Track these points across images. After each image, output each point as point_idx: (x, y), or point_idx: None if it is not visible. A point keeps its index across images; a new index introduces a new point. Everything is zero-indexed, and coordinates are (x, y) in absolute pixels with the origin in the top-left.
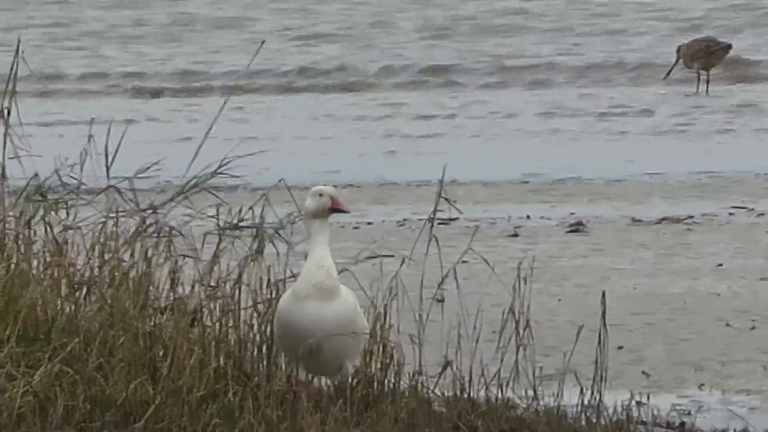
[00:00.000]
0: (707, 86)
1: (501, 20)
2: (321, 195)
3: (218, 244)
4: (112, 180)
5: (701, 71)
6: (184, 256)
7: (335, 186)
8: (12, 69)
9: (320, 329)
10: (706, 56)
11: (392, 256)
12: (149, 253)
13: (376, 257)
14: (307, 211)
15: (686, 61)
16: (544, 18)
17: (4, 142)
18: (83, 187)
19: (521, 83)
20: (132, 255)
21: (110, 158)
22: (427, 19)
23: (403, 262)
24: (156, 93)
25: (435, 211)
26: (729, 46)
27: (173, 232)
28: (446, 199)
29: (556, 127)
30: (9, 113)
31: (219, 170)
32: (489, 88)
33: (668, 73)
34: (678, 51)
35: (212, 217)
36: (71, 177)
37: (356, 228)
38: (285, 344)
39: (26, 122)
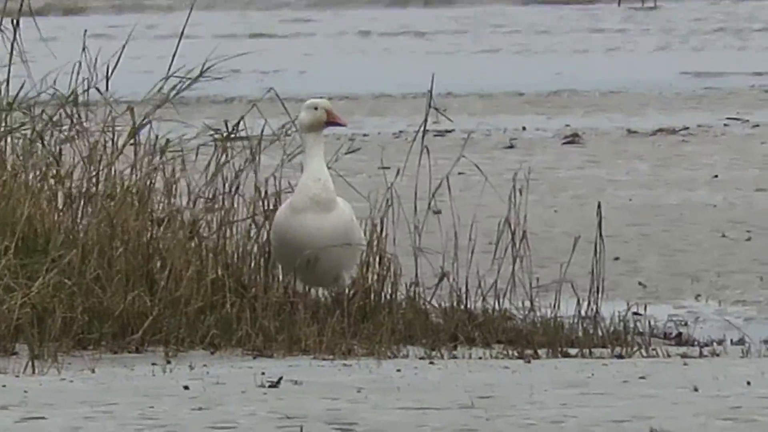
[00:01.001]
0: None
1: None
2: (316, 108)
3: (215, 156)
4: (106, 94)
5: None
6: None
7: (330, 98)
8: None
9: (317, 241)
10: None
11: (388, 167)
12: (146, 165)
13: (353, 152)
14: (302, 125)
15: None
16: None
17: (10, 55)
18: (80, 99)
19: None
20: (130, 167)
21: (109, 71)
22: None
23: (398, 173)
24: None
25: (425, 121)
26: None
27: (170, 142)
28: (436, 109)
29: (551, 41)
30: (18, 24)
31: (201, 75)
32: (484, 3)
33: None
34: None
35: (209, 128)
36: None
37: (351, 140)
38: (282, 256)
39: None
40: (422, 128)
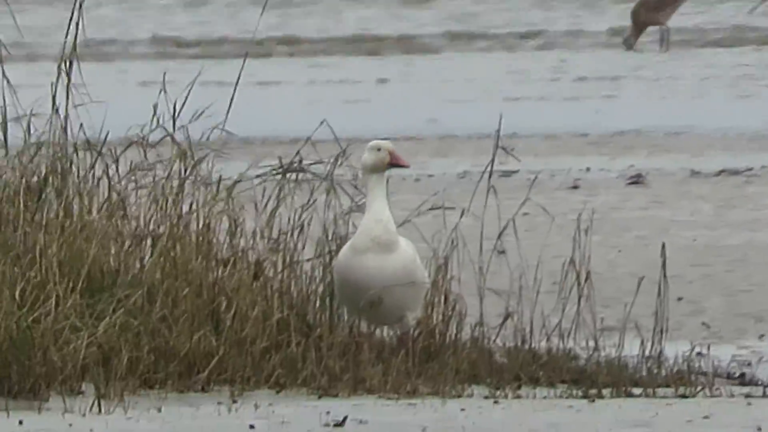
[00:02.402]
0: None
1: None
2: (379, 149)
3: (279, 193)
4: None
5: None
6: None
7: (395, 139)
8: (70, 25)
9: (379, 282)
10: (671, 5)
11: (453, 208)
12: (210, 204)
13: (437, 208)
14: (364, 166)
15: (648, 18)
16: None
17: (67, 95)
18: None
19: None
20: (193, 206)
21: (177, 111)
22: None
23: (462, 213)
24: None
25: (492, 161)
26: None
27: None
28: (503, 149)
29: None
30: (71, 65)
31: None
32: (546, 47)
33: (631, 44)
34: (637, 14)
35: (273, 167)
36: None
37: (417, 180)
38: (345, 297)
39: (91, 82)
40: (490, 168)
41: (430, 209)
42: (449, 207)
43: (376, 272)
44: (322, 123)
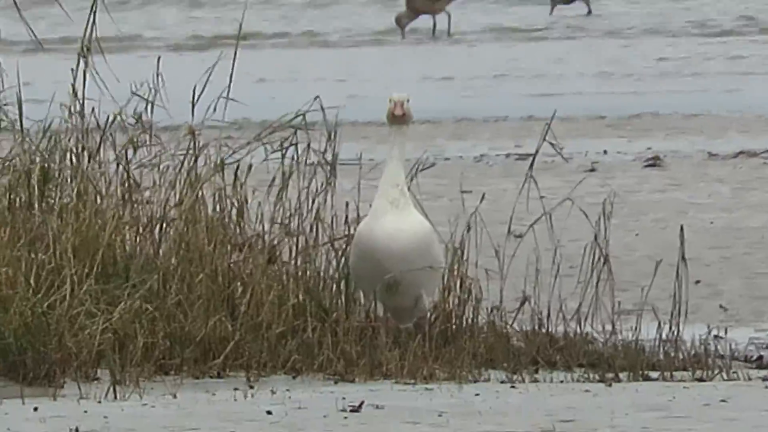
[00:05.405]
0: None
1: None
2: (390, 100)
3: (288, 178)
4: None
5: None
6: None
7: (412, 123)
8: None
9: (398, 244)
10: None
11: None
12: (226, 190)
13: (428, 168)
14: (387, 117)
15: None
16: None
17: (84, 80)
18: (158, 124)
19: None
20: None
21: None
22: None
23: (483, 198)
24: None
25: (537, 152)
26: None
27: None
28: (551, 144)
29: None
30: (90, 50)
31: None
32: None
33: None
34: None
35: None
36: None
37: (433, 165)
38: (363, 270)
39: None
40: (534, 157)
41: (423, 169)
42: (466, 191)
43: (395, 232)
44: (315, 99)
